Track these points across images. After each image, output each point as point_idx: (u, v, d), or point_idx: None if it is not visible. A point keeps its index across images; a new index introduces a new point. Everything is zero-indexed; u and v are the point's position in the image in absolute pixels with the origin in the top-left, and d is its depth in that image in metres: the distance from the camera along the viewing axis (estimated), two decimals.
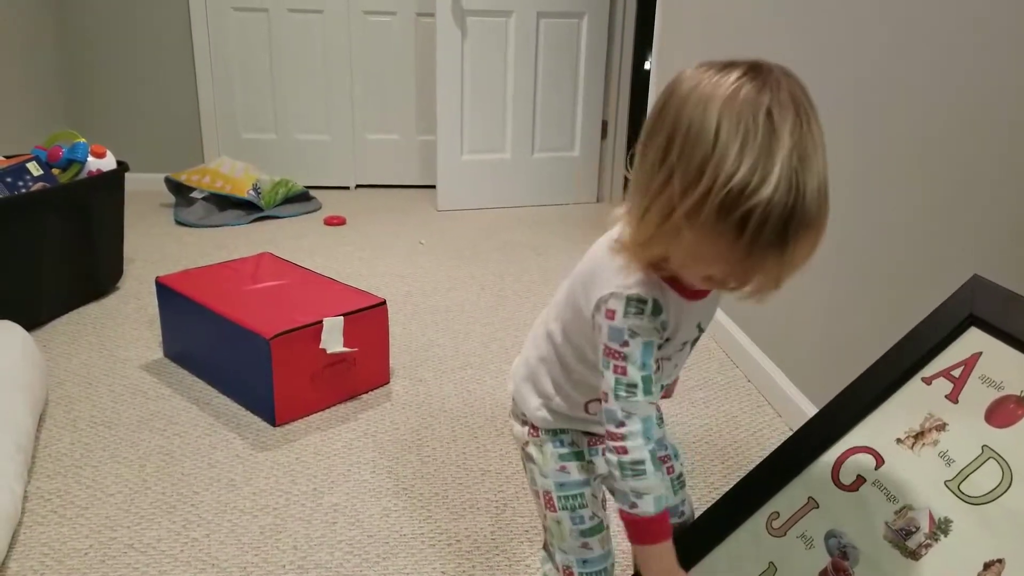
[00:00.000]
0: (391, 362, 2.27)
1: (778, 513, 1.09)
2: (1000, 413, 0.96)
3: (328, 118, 4.40)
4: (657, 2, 3.18)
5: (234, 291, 2.21)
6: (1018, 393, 0.96)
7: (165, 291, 2.28)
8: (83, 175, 2.67)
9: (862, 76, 1.73)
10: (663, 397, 1.20)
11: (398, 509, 1.70)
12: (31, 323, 2.40)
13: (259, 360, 1.97)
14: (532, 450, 1.16)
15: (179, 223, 3.75)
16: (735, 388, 2.25)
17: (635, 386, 0.95)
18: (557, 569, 1.17)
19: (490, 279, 3.10)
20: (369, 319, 2.15)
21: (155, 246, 3.38)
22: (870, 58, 1.71)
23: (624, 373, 0.95)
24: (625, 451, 0.96)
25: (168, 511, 1.67)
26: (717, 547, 1.11)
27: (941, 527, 0.92)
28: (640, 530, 0.99)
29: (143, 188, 4.00)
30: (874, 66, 1.69)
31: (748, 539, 1.09)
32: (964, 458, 0.95)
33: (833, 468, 1.07)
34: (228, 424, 2.01)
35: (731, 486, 1.19)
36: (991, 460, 0.93)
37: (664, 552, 0.99)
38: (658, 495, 0.96)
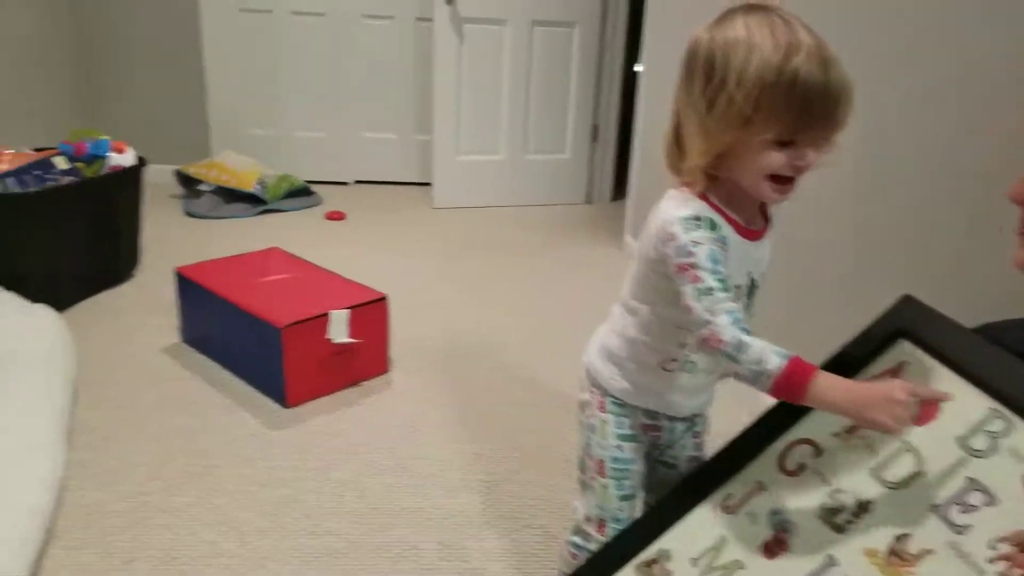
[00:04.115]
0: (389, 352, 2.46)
1: (732, 494, 1.27)
2: (919, 413, 1.15)
3: (327, 116, 4.57)
4: (646, 10, 3.38)
5: (247, 283, 2.39)
6: None
7: (184, 281, 2.45)
8: (105, 170, 2.84)
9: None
10: None
11: (398, 485, 1.89)
12: (55, 307, 2.57)
13: (272, 347, 2.15)
14: (596, 422, 1.31)
15: (188, 214, 3.92)
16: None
17: (711, 289, 1.03)
18: (590, 520, 1.35)
19: (482, 276, 3.29)
20: (371, 313, 2.33)
21: (167, 236, 3.55)
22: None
23: (698, 280, 1.04)
24: (722, 341, 1.02)
25: (193, 480, 1.85)
26: (677, 522, 1.29)
27: (864, 507, 1.11)
28: (790, 384, 1.01)
29: (150, 180, 4.16)
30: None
31: (704, 516, 1.28)
32: (886, 450, 1.14)
33: (780, 457, 1.26)
34: (243, 405, 2.19)
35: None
36: (908, 452, 1.12)
37: (827, 384, 1.01)
38: (774, 349, 1.02)
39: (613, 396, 1.31)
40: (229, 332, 2.33)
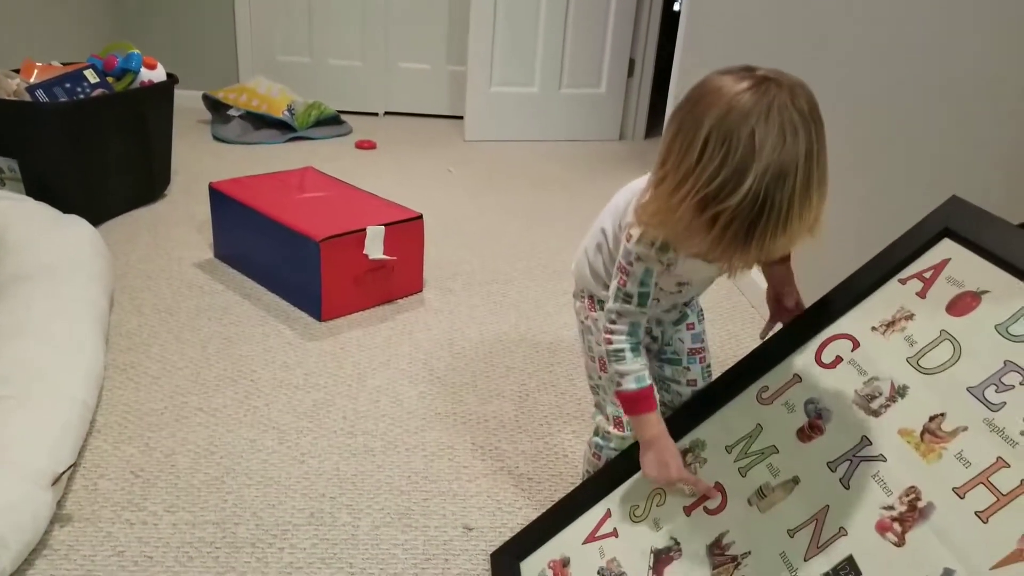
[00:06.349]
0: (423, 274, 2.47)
1: (767, 387, 1.28)
2: (959, 305, 1.14)
3: (362, 45, 4.53)
4: None
5: (283, 199, 2.39)
6: (975, 289, 1.14)
7: (218, 196, 2.47)
8: (136, 85, 2.84)
9: (880, 15, 1.88)
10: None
11: (432, 393, 1.91)
12: (92, 221, 2.60)
13: (309, 261, 2.16)
14: (590, 323, 1.39)
15: (217, 139, 3.93)
16: (739, 312, 2.43)
17: (631, 296, 1.18)
18: (607, 419, 1.39)
19: (516, 206, 3.28)
20: (407, 231, 2.34)
21: (196, 159, 3.56)
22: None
23: (624, 285, 1.18)
24: (610, 342, 1.21)
25: (231, 383, 1.89)
26: (714, 412, 1.31)
27: (900, 392, 1.11)
28: (627, 403, 1.23)
29: (179, 104, 4.18)
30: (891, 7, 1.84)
31: (741, 406, 1.29)
32: (924, 340, 1.14)
33: (817, 351, 1.26)
34: (278, 317, 2.22)
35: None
36: (946, 341, 1.11)
37: (649, 421, 1.21)
38: (637, 375, 1.20)
39: (600, 297, 1.37)
40: (264, 247, 2.34)
